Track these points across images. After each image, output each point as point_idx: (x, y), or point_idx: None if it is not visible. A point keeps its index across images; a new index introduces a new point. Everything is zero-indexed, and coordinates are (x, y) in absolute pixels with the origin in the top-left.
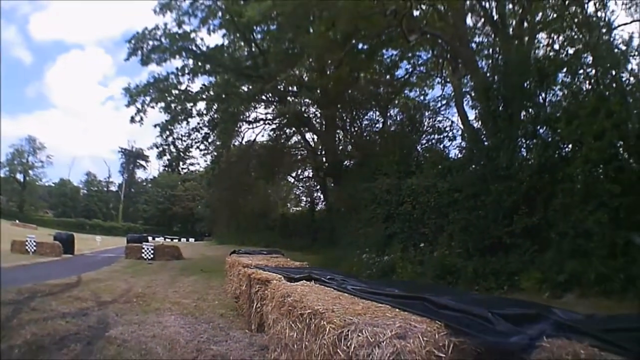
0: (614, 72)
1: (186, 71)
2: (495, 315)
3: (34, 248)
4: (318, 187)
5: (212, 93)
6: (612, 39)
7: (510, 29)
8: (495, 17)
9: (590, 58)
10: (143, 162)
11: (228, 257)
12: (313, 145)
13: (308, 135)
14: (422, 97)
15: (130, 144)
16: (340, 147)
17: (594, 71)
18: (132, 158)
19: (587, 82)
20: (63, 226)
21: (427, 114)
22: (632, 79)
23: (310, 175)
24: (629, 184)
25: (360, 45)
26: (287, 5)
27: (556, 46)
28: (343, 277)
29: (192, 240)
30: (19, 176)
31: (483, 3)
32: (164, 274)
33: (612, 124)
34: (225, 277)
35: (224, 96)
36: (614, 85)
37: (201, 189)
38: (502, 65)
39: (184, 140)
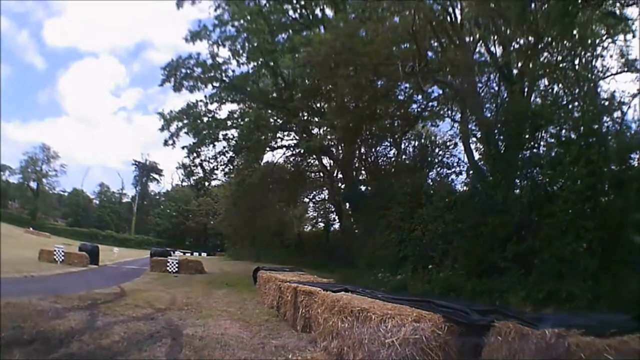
0: (595, 126)
1: (215, 99)
2: (471, 309)
3: (62, 258)
4: (333, 209)
5: (241, 122)
6: (597, 92)
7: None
8: (500, 60)
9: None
10: (156, 176)
11: (263, 273)
12: (329, 170)
13: (325, 161)
14: (433, 131)
15: (144, 157)
16: (357, 175)
17: (581, 122)
18: (146, 171)
19: (572, 132)
20: (76, 236)
21: (437, 150)
22: (614, 127)
23: (326, 198)
24: (601, 221)
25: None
26: (319, 55)
27: (550, 97)
28: (370, 289)
29: (204, 254)
30: (32, 184)
31: (490, 48)
32: (194, 287)
33: (590, 171)
34: (258, 290)
35: (252, 127)
36: (594, 138)
37: (215, 205)
38: (503, 113)
39: (210, 162)
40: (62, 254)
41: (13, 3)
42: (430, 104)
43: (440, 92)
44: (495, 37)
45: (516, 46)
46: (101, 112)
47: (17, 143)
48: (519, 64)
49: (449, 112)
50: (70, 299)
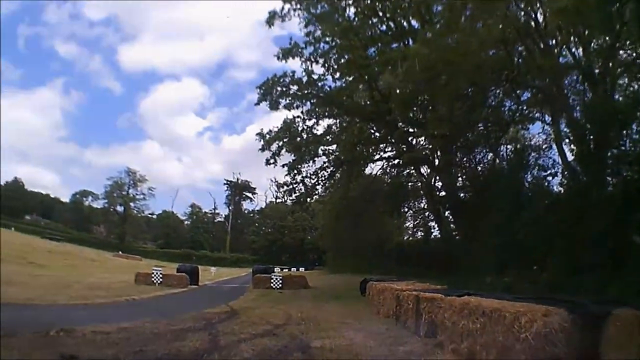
0: None
1: (312, 115)
2: (589, 302)
3: (160, 280)
4: (432, 217)
5: (342, 137)
6: None
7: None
8: (582, 61)
9: None
10: (249, 194)
11: (375, 284)
12: (427, 178)
13: (423, 170)
14: (527, 135)
15: (235, 176)
16: (456, 182)
17: None
18: (238, 190)
19: None
20: (168, 257)
21: (532, 153)
22: None
23: (425, 207)
24: None
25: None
26: (417, 69)
27: (631, 95)
28: (489, 293)
29: (302, 269)
30: (119, 208)
31: (572, 50)
32: (303, 302)
33: None
34: (370, 301)
35: (355, 140)
36: None
37: (311, 220)
38: (589, 113)
39: (312, 179)
40: (160, 275)
41: (81, 29)
42: (521, 107)
43: (529, 95)
44: (576, 39)
45: (595, 47)
46: (187, 133)
47: (98, 168)
48: (600, 65)
49: (540, 115)
50: (183, 320)
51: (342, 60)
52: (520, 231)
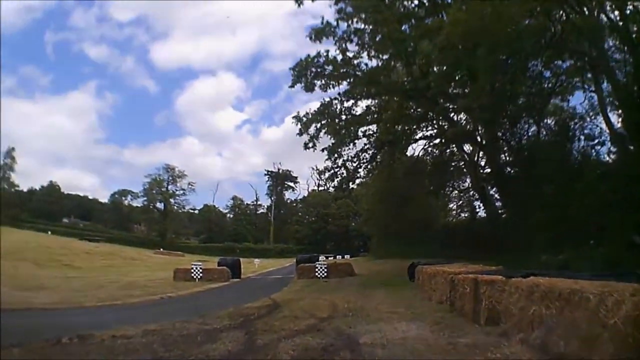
0: None
1: (349, 95)
2: None
3: (200, 275)
4: (476, 197)
5: (382, 116)
6: None
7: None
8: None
9: None
10: (291, 183)
11: (425, 268)
12: (469, 156)
13: (465, 147)
14: (572, 104)
15: (276, 166)
16: (500, 157)
17: None
18: (280, 180)
19: None
20: (211, 252)
21: (577, 123)
22: None
23: (469, 186)
24: None
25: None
26: (456, 36)
27: None
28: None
29: (347, 256)
30: (159, 205)
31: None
32: (349, 290)
33: None
34: (421, 286)
35: (395, 117)
36: None
37: (354, 206)
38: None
39: (353, 162)
40: (200, 270)
41: (111, 31)
42: (561, 77)
43: (570, 63)
44: (612, 4)
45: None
46: (225, 127)
47: (139, 168)
48: (637, 29)
49: (582, 83)
50: (219, 318)
51: (377, 37)
52: (572, 204)
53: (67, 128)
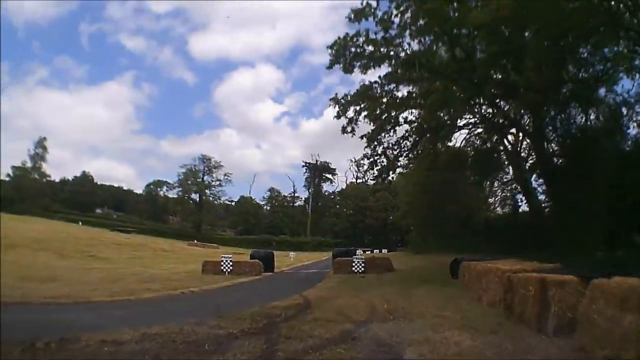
0: None
1: (390, 78)
2: None
3: (230, 268)
4: (519, 189)
5: (425, 101)
6: None
7: None
8: None
9: None
10: (329, 175)
11: (474, 264)
12: (513, 146)
13: (509, 138)
14: (619, 92)
15: (314, 158)
16: (548, 147)
17: None
18: (318, 172)
19: None
20: (247, 244)
21: (630, 109)
22: None
23: (511, 178)
24: None
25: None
26: (505, 8)
27: None
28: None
29: (385, 251)
30: (194, 196)
31: None
32: (388, 288)
33: None
34: (467, 285)
35: (441, 100)
36: None
37: (392, 200)
38: None
39: (394, 149)
40: (230, 263)
41: (148, 23)
42: (609, 63)
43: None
44: None
45: None
46: (264, 119)
47: (176, 158)
48: None
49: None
50: (238, 320)
51: (420, 17)
52: (628, 196)
53: (102, 119)
